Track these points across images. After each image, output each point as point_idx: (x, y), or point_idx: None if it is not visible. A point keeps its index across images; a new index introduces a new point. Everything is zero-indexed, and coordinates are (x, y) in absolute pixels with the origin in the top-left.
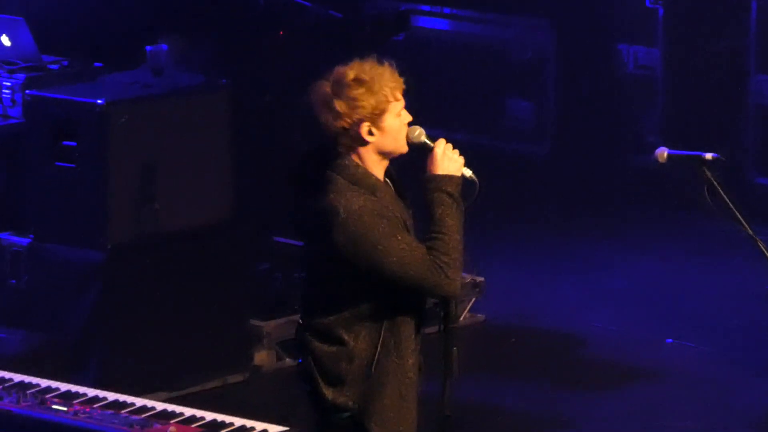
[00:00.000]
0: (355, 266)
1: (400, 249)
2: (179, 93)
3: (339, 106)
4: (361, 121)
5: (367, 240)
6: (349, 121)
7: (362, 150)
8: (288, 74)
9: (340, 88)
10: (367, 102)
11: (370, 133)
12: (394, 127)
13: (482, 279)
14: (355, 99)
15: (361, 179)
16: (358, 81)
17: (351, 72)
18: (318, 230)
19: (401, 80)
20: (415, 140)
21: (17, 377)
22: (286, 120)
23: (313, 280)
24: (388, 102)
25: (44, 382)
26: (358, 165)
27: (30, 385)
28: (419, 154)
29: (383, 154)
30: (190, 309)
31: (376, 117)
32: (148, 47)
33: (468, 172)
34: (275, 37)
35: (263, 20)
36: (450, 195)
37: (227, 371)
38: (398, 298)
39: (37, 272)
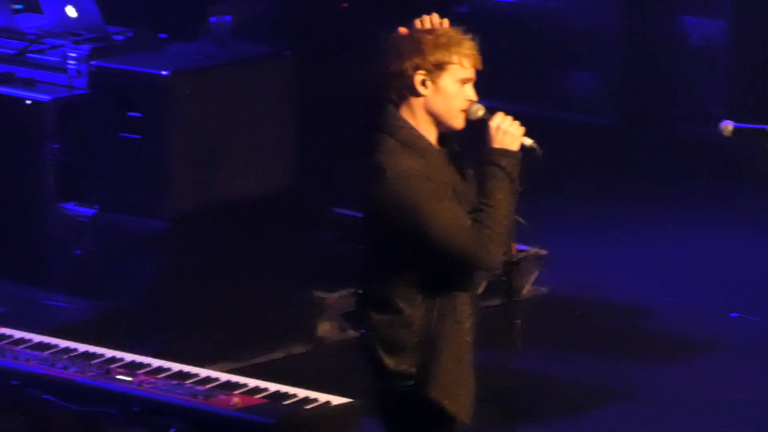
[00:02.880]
0: (401, 229)
1: (444, 215)
2: (242, 63)
3: (402, 45)
4: (418, 67)
5: (412, 202)
6: (407, 64)
7: (413, 104)
8: (351, 44)
9: (412, 31)
10: (431, 51)
11: (423, 84)
12: (449, 90)
13: (545, 252)
14: (420, 43)
15: (412, 141)
16: (431, 31)
17: (432, 22)
18: (366, 192)
19: (477, 56)
20: (474, 116)
21: (82, 347)
22: (348, 90)
23: (368, 249)
24: (452, 63)
25: (109, 352)
26: (411, 127)
27: (94, 355)
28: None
29: (434, 116)
30: (253, 279)
31: (434, 70)
32: (211, 18)
33: (528, 141)
34: (338, 7)
35: None
36: (503, 169)
37: (290, 342)
38: (447, 264)
39: (101, 242)
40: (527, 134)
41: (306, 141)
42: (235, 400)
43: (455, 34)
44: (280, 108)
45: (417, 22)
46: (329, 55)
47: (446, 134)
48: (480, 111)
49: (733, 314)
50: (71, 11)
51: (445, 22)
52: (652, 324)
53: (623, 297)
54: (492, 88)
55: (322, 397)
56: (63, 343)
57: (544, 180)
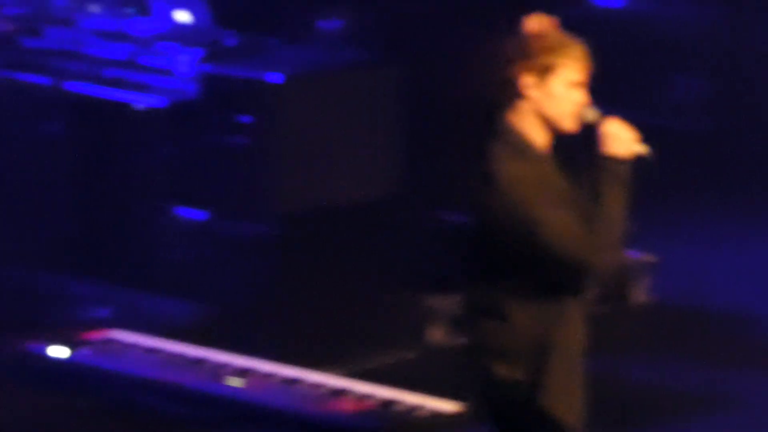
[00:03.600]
0: (512, 236)
1: (555, 221)
2: (351, 68)
3: (510, 48)
4: (526, 71)
5: (522, 208)
6: (515, 68)
7: (523, 108)
8: (460, 49)
9: (520, 34)
10: (539, 54)
11: (532, 88)
12: (558, 94)
13: (655, 258)
14: (528, 46)
15: (522, 146)
16: (541, 34)
17: (540, 24)
18: (476, 198)
19: (587, 58)
20: (585, 120)
21: (192, 351)
22: (456, 95)
23: (478, 255)
24: (560, 65)
25: (219, 356)
26: (520, 132)
27: (205, 360)
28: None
29: (544, 120)
30: (361, 284)
31: (542, 72)
32: (321, 22)
33: (641, 149)
34: (444, 12)
35: None
36: (614, 175)
37: (400, 348)
38: (559, 269)
39: (211, 246)
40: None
41: (413, 146)
42: (346, 405)
43: (564, 36)
44: (387, 111)
45: (525, 24)
46: (436, 60)
47: (557, 139)
48: (590, 114)
49: None
50: (182, 15)
51: (554, 23)
52: (761, 332)
53: (732, 305)
54: (597, 94)
55: (432, 404)
56: (173, 347)
57: (651, 186)
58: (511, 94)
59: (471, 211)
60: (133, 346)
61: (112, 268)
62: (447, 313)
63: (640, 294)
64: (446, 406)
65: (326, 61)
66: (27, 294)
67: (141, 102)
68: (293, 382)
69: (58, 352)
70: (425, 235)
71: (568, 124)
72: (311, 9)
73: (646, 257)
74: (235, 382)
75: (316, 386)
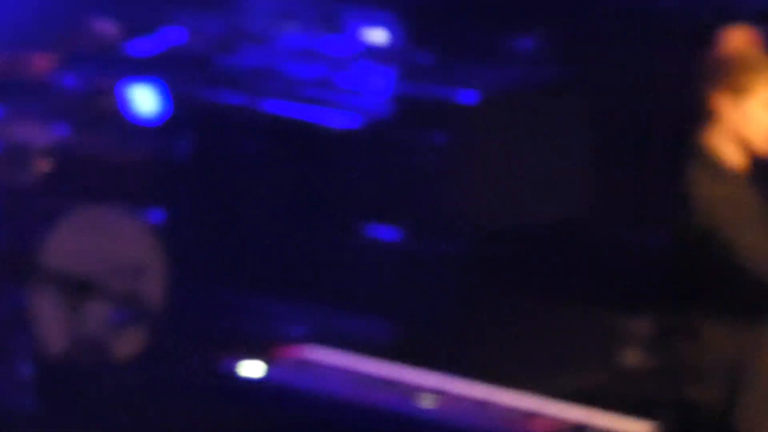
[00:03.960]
0: (708, 257)
1: (753, 242)
2: (545, 87)
3: (707, 64)
4: (721, 89)
5: (720, 229)
6: (711, 85)
7: (719, 128)
8: (653, 67)
9: (718, 51)
10: (736, 72)
11: (727, 108)
12: (756, 116)
13: None
14: (725, 63)
15: (719, 168)
16: (739, 51)
17: (740, 39)
18: (673, 220)
19: None
20: None
21: (386, 369)
22: (649, 115)
23: (671, 275)
24: (759, 86)
25: (413, 375)
26: (716, 154)
27: (399, 378)
28: None
29: (741, 141)
30: (554, 303)
31: (738, 92)
32: (515, 41)
33: None
34: (640, 30)
35: (622, 11)
36: None
37: (592, 369)
38: (757, 290)
39: (405, 264)
40: None
41: (606, 165)
42: (538, 426)
43: (763, 54)
44: (580, 132)
45: (724, 39)
46: (629, 79)
47: (754, 160)
48: None
49: None
50: (377, 34)
51: (755, 38)
52: None
53: None
54: None
55: (624, 426)
56: (367, 365)
57: None
58: (707, 114)
59: (667, 233)
60: (328, 364)
61: (308, 286)
62: (640, 334)
63: None
64: (638, 428)
65: (520, 81)
66: (223, 310)
67: (335, 121)
68: (485, 402)
69: (253, 369)
70: (618, 256)
71: (766, 145)
72: (505, 27)
73: None
74: (427, 401)
75: (509, 407)
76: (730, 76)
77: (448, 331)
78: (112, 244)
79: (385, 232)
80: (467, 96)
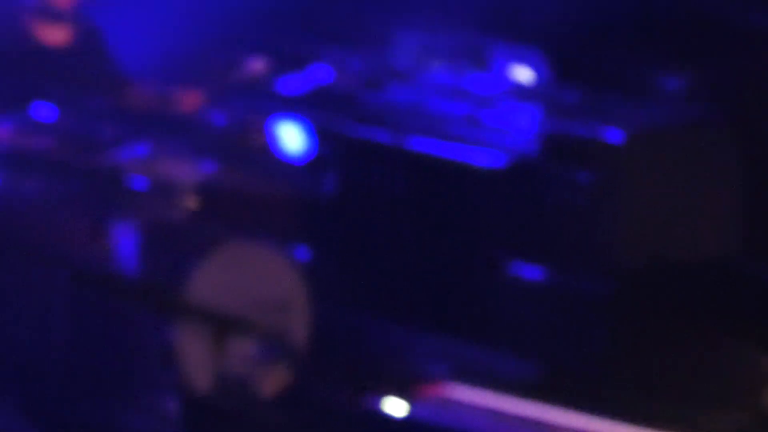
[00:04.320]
0: None
1: None
2: (692, 125)
3: None
4: None
5: None
6: None
7: None
8: None
9: None
10: None
11: None
12: None
13: None
14: None
15: None
16: None
17: None
18: None
19: None
20: None
21: (528, 408)
22: None
23: None
24: None
25: (554, 414)
26: None
27: (540, 417)
28: None
29: None
30: (697, 341)
31: None
32: (661, 78)
33: None
34: None
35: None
36: None
37: (734, 409)
38: None
39: (549, 302)
40: None
41: (752, 205)
42: None
43: None
44: (727, 170)
45: None
46: None
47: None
48: None
49: None
50: (522, 72)
51: None
52: None
53: None
54: None
55: None
56: (508, 404)
57: None
58: None
59: None
60: (469, 402)
61: (452, 323)
62: None
63: None
64: None
65: (666, 119)
66: (367, 347)
67: (481, 159)
68: None
69: (396, 407)
70: (763, 295)
71: None
72: (652, 64)
73: None
74: None
75: None
76: None
77: (592, 369)
78: (257, 280)
79: (529, 270)
80: (613, 134)
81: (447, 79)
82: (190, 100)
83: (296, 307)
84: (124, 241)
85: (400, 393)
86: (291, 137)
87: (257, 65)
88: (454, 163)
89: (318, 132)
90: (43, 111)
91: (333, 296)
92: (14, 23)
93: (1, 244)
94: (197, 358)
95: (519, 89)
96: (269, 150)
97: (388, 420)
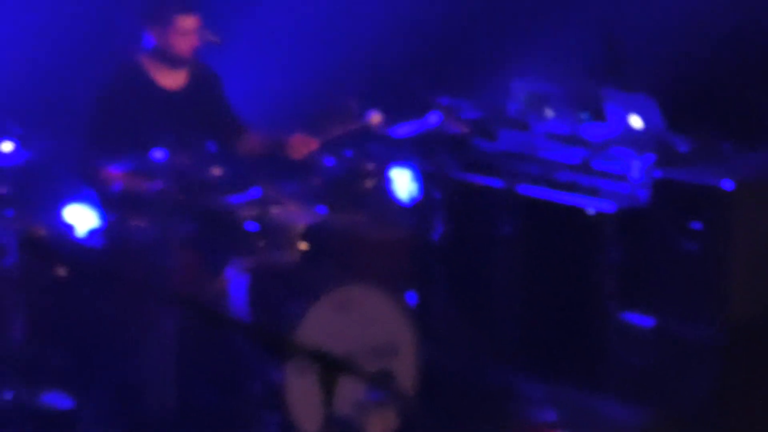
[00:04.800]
0: None
1: None
2: None
3: None
4: None
5: None
6: None
7: None
8: None
9: None
10: None
11: None
12: None
13: None
14: None
15: None
16: None
17: None
18: None
19: None
20: None
21: None
22: None
23: None
24: None
25: None
26: None
27: None
28: None
29: None
30: None
31: None
32: None
33: None
34: None
35: None
36: None
37: None
38: None
39: (660, 351)
40: None
41: None
42: None
43: None
44: None
45: None
46: None
47: None
48: None
49: None
50: (636, 121)
51: None
52: None
53: None
54: None
55: None
56: None
57: None
58: None
59: None
60: None
61: (560, 370)
62: None
63: None
64: None
65: None
66: (475, 391)
67: (592, 206)
68: None
69: None
70: None
71: None
72: (763, 113)
73: None
74: None
75: None
76: None
77: (701, 417)
78: (367, 324)
79: (639, 318)
80: (725, 182)
81: (559, 127)
82: (302, 146)
83: (405, 351)
84: (236, 283)
85: None
86: (403, 182)
87: (370, 111)
88: (565, 209)
89: (430, 177)
90: (160, 154)
91: (441, 340)
92: (134, 68)
93: (115, 282)
94: (306, 400)
95: (631, 137)
96: (381, 194)
97: None
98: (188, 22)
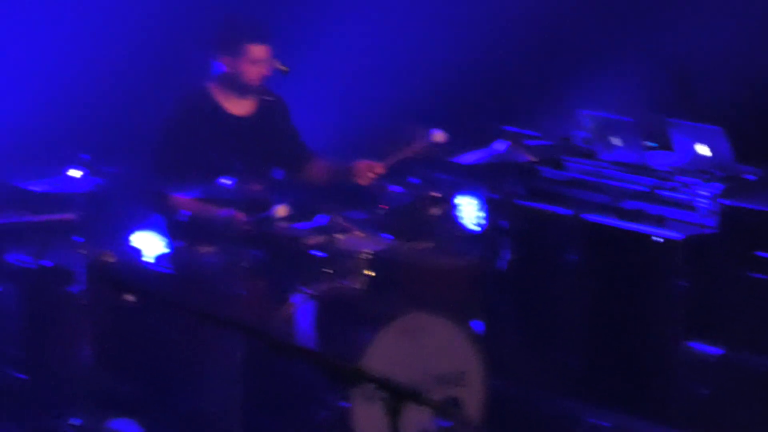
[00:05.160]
0: None
1: None
2: None
3: None
4: None
5: None
6: None
7: None
8: None
9: None
10: None
11: None
12: None
13: None
14: None
15: None
16: None
17: None
18: None
19: None
20: None
21: None
22: None
23: None
24: None
25: None
26: None
27: None
28: None
29: None
30: None
31: None
32: None
33: None
34: None
35: None
36: None
37: None
38: None
39: (728, 382)
40: None
41: None
42: None
43: None
44: None
45: None
46: None
47: None
48: None
49: None
50: (703, 149)
51: None
52: None
53: None
54: None
55: None
56: None
57: None
58: None
59: None
60: None
61: (626, 399)
62: None
63: None
64: None
65: None
66: (541, 420)
67: (659, 234)
68: None
69: None
70: None
71: None
72: None
73: None
74: None
75: None
76: None
77: None
78: (434, 352)
79: (706, 347)
80: None
81: (627, 156)
82: (368, 171)
83: (471, 379)
84: (302, 310)
85: None
86: (469, 210)
87: (437, 139)
88: (632, 238)
89: (496, 205)
90: (228, 181)
91: (507, 369)
92: (203, 95)
93: (182, 309)
94: (372, 428)
95: (700, 166)
96: (447, 222)
97: None
98: (260, 52)
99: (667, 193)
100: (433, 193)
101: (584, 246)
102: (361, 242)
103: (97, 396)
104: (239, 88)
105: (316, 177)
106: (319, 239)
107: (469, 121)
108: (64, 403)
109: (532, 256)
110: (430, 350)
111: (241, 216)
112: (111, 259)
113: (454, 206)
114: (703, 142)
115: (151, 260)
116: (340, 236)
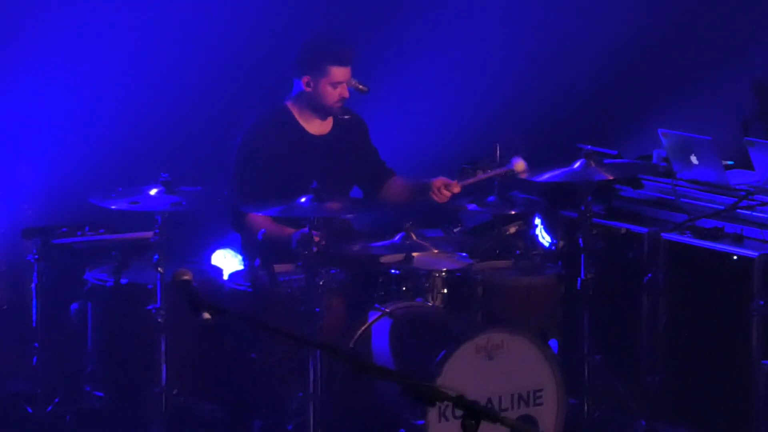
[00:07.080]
0: None
1: None
2: None
3: None
4: None
5: None
6: None
7: None
8: None
9: None
10: None
11: None
12: None
13: None
14: None
15: None
16: None
17: None
18: None
19: None
20: None
21: None
22: None
23: None
24: None
25: None
26: None
27: None
28: None
29: None
30: None
31: None
32: None
33: None
34: None
35: None
36: None
37: None
38: None
39: None
40: None
41: None
42: None
43: None
44: None
45: None
46: None
47: None
48: None
49: None
50: None
51: None
52: None
53: None
54: None
55: None
56: None
57: None
58: None
59: None
60: None
61: (704, 418)
62: None
63: None
64: None
65: None
66: None
67: (738, 253)
68: None
69: None
70: None
71: None
72: None
73: None
74: None
75: None
76: None
77: None
78: (511, 370)
79: None
80: None
81: (705, 174)
82: (446, 189)
83: (548, 398)
84: (380, 328)
85: None
86: (547, 229)
87: (518, 168)
88: (711, 256)
89: (574, 224)
90: (306, 200)
91: (585, 388)
92: (282, 113)
93: (260, 328)
94: None
95: None
96: (525, 241)
97: None
98: (341, 73)
99: (745, 211)
100: (511, 212)
101: (662, 265)
102: (439, 261)
103: (174, 414)
104: (319, 108)
105: (394, 195)
106: (396, 257)
107: (548, 140)
108: (141, 422)
109: (609, 274)
110: (507, 368)
111: (318, 234)
112: (188, 278)
113: (532, 225)
114: None
115: (229, 279)
116: (417, 254)
